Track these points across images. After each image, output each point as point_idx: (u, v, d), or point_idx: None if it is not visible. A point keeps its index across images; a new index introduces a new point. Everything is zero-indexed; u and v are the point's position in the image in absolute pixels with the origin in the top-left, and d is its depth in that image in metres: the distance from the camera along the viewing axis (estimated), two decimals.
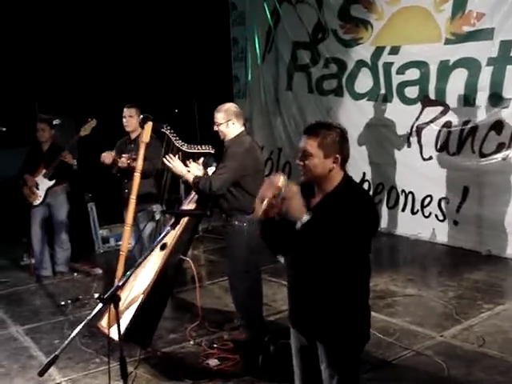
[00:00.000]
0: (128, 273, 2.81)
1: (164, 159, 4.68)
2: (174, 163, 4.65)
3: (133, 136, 5.97)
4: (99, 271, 6.95)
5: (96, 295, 2.56)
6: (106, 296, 2.53)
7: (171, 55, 9.93)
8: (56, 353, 2.46)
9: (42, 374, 2.40)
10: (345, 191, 2.77)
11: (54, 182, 6.68)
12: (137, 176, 5.00)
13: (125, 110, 5.93)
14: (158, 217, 5.18)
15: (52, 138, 6.76)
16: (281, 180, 2.67)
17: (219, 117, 4.66)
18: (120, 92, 8.80)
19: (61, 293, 6.36)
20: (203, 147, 4.77)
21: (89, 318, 2.62)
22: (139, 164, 4.99)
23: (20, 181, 6.76)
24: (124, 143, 6.06)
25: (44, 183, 6.68)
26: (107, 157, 5.84)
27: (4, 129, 9.04)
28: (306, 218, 2.58)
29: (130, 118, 5.88)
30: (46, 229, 6.88)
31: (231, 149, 4.61)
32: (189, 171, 4.64)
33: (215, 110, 4.71)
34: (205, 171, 4.73)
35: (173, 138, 4.77)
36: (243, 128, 4.77)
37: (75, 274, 6.92)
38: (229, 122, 4.64)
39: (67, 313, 5.76)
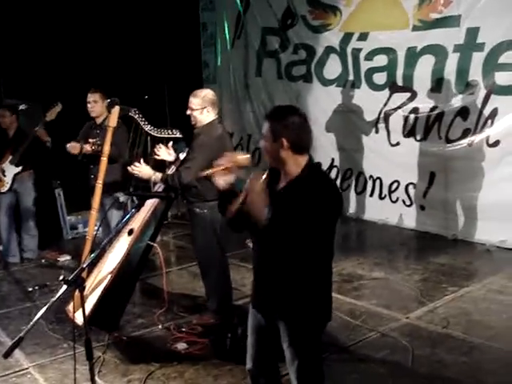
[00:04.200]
0: (92, 255, 2.80)
1: (129, 168, 4.64)
2: (140, 169, 4.61)
3: (98, 121, 5.93)
4: (67, 257, 6.90)
5: (60, 278, 2.55)
6: (70, 278, 2.53)
7: (141, 40, 9.83)
8: (21, 334, 2.45)
9: (6, 355, 2.40)
10: (308, 177, 2.80)
11: (20, 168, 6.60)
12: (103, 161, 4.95)
13: (89, 95, 5.87)
14: (122, 199, 5.16)
15: (17, 123, 6.68)
16: (244, 156, 2.73)
17: (195, 102, 4.61)
18: (88, 77, 8.70)
19: (28, 279, 6.31)
20: (173, 132, 4.74)
21: (53, 300, 2.61)
22: (106, 149, 4.95)
23: None
24: (89, 127, 6.02)
25: (11, 170, 6.59)
26: (74, 147, 5.78)
27: None
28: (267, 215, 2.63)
29: (95, 104, 5.83)
30: (14, 216, 6.81)
31: (201, 137, 4.59)
32: (154, 173, 4.61)
33: (191, 94, 4.66)
34: (176, 156, 4.71)
35: (141, 123, 4.73)
36: (216, 117, 4.74)
37: (43, 261, 6.86)
38: (204, 110, 4.61)
39: (35, 299, 5.71)
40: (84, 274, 4.30)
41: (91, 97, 5.84)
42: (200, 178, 4.51)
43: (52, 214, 7.71)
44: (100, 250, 2.77)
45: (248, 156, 2.76)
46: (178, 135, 4.72)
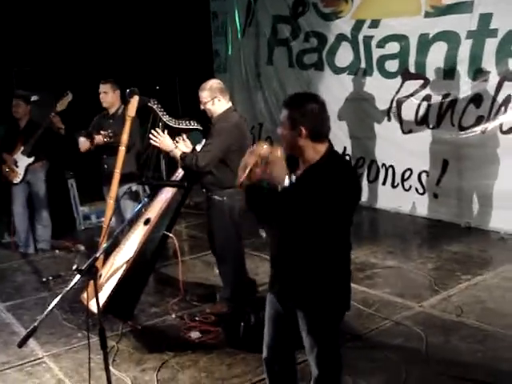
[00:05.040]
0: (104, 245, 2.80)
1: (150, 135, 4.60)
2: (161, 138, 4.58)
3: (111, 111, 5.93)
4: (81, 248, 6.94)
5: (74, 267, 2.55)
6: (83, 268, 2.54)
7: (151, 30, 9.82)
8: (35, 324, 2.47)
9: (21, 345, 2.42)
10: (327, 163, 2.77)
11: (33, 158, 6.63)
12: (122, 150, 4.90)
13: (100, 85, 5.87)
14: (134, 188, 5.15)
15: (29, 114, 6.70)
16: (264, 147, 2.70)
17: (204, 95, 4.61)
18: (99, 67, 8.71)
19: (43, 269, 6.36)
20: (191, 123, 4.71)
21: (67, 289, 2.62)
22: (124, 138, 4.90)
23: None
24: (102, 118, 6.02)
25: (23, 160, 6.63)
26: (84, 144, 5.83)
27: None
28: (287, 181, 2.60)
29: (105, 95, 5.84)
30: (28, 206, 6.85)
31: (218, 125, 4.58)
32: (176, 146, 4.60)
33: (199, 89, 4.65)
34: (193, 147, 4.69)
35: (160, 113, 4.70)
36: (230, 103, 4.73)
37: (57, 251, 6.90)
38: (214, 100, 4.60)
39: (49, 289, 5.76)
40: (99, 263, 4.35)
41: (102, 88, 5.85)
42: (220, 165, 4.52)
43: (65, 204, 7.74)
44: (113, 239, 2.76)
45: (267, 146, 2.71)
46: (196, 126, 4.70)
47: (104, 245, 2.83)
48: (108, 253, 4.70)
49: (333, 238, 2.79)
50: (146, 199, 2.99)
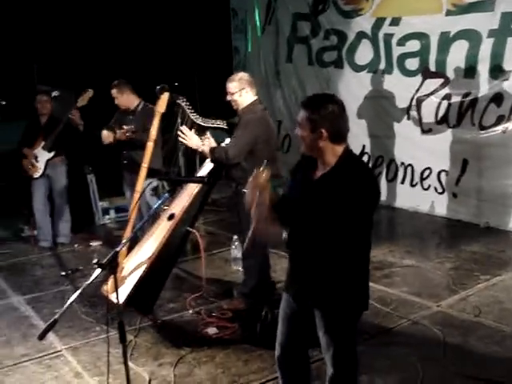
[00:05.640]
0: (124, 240, 2.83)
1: (179, 133, 4.64)
2: (189, 136, 4.63)
3: (131, 108, 5.98)
4: (99, 242, 7.00)
5: (94, 261, 2.58)
6: (104, 262, 2.56)
7: (171, 27, 9.86)
8: (55, 317, 2.49)
9: (41, 337, 2.44)
10: (345, 166, 2.77)
11: (53, 153, 6.69)
12: (149, 145, 4.92)
13: (111, 91, 5.95)
14: (155, 184, 5.17)
15: (50, 109, 6.77)
16: (261, 178, 2.73)
17: (232, 86, 4.65)
18: (119, 64, 8.77)
19: (62, 264, 6.43)
20: (217, 122, 4.75)
21: (87, 282, 2.65)
22: (153, 133, 4.91)
23: (19, 154, 6.77)
24: (122, 114, 6.07)
25: (43, 155, 6.69)
26: (107, 137, 5.88)
27: (3, 102, 9.06)
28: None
29: (116, 99, 5.94)
30: (48, 201, 6.92)
31: (245, 117, 4.63)
32: (203, 144, 4.64)
33: (227, 80, 4.69)
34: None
35: (188, 111, 4.73)
36: (256, 97, 4.76)
37: (76, 245, 6.97)
38: (242, 91, 4.64)
39: (68, 283, 5.81)
40: (121, 257, 4.38)
41: (112, 93, 5.95)
42: (249, 158, 4.54)
43: (84, 199, 7.80)
44: (133, 234, 2.78)
45: (265, 171, 2.73)
46: (222, 125, 4.72)
47: (124, 239, 2.84)
48: (131, 246, 4.74)
49: (354, 239, 2.79)
50: (166, 195, 3.00)
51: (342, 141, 2.80)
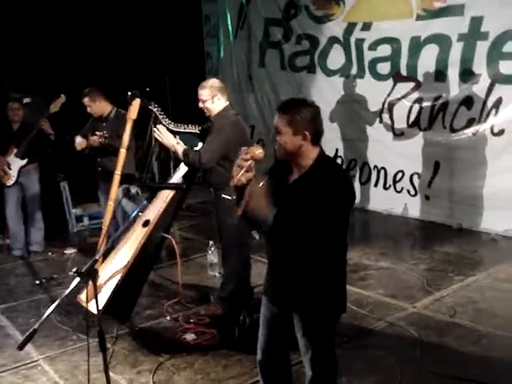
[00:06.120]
0: (102, 248, 2.82)
1: (155, 130, 4.65)
2: (164, 135, 4.65)
3: (104, 115, 5.96)
4: (73, 250, 6.93)
5: (73, 270, 2.56)
6: (83, 270, 2.55)
7: (142, 32, 9.82)
8: (34, 326, 2.47)
9: (21, 347, 2.42)
10: (321, 168, 2.80)
11: (26, 160, 6.62)
12: (122, 152, 4.91)
13: (83, 100, 5.93)
14: (133, 191, 5.15)
15: (22, 116, 6.70)
16: (258, 151, 2.69)
17: (204, 93, 4.66)
18: (89, 69, 8.71)
19: (36, 272, 6.35)
20: (189, 126, 4.76)
21: (67, 291, 2.63)
22: (125, 140, 4.91)
23: None
24: (95, 121, 6.04)
25: (16, 163, 6.61)
26: (80, 144, 5.88)
27: None
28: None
29: (89, 107, 5.94)
30: (21, 209, 6.84)
31: (218, 122, 4.64)
32: (178, 142, 4.65)
33: (199, 86, 4.70)
34: (188, 148, 4.72)
35: (160, 116, 4.74)
36: (228, 102, 4.78)
37: (50, 254, 6.89)
38: (214, 98, 4.66)
39: (43, 292, 5.75)
40: (97, 265, 4.35)
41: (84, 102, 5.93)
42: (225, 162, 4.55)
43: (57, 207, 7.72)
44: (111, 242, 2.77)
45: (262, 150, 2.71)
46: (194, 130, 4.73)
47: (103, 247, 2.83)
48: (106, 254, 4.71)
49: (330, 240, 2.82)
50: (145, 202, 2.99)
51: (319, 143, 2.85)
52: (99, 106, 5.91)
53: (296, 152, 2.79)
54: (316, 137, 2.80)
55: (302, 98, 2.95)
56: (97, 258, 2.62)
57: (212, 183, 4.78)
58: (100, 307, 4.14)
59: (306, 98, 2.94)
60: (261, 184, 2.72)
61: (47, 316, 2.50)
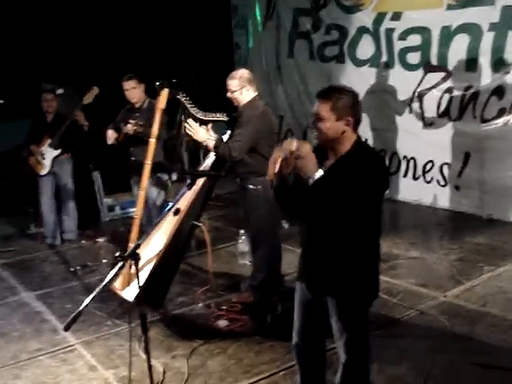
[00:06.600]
0: (145, 234, 2.90)
1: (185, 125, 4.69)
2: (196, 129, 4.68)
3: (137, 105, 6.00)
4: (105, 239, 7.06)
5: (117, 254, 2.64)
6: (126, 254, 2.62)
7: (171, 23, 9.90)
8: (80, 308, 2.56)
9: (67, 328, 2.50)
10: (357, 153, 2.84)
11: (59, 151, 6.75)
12: (152, 142, 4.95)
13: (124, 83, 5.91)
14: (174, 178, 5.21)
15: (56, 107, 6.82)
16: (293, 144, 2.74)
17: (233, 84, 4.70)
18: (120, 61, 8.81)
19: (70, 260, 6.49)
20: (217, 115, 4.80)
21: (112, 273, 2.71)
22: (155, 130, 4.94)
23: (26, 151, 6.83)
24: (128, 111, 6.08)
25: (50, 153, 6.75)
26: (112, 137, 5.92)
27: (2, 101, 9.09)
28: (319, 174, 2.66)
29: (133, 90, 5.90)
30: (54, 198, 6.98)
31: (246, 113, 4.68)
32: (209, 138, 4.68)
33: (228, 77, 4.74)
34: (219, 138, 4.77)
35: (188, 105, 4.78)
36: (256, 93, 4.81)
37: (83, 242, 7.03)
38: (243, 89, 4.69)
39: (77, 279, 5.88)
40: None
41: (128, 84, 5.90)
42: (252, 153, 4.60)
43: (90, 196, 7.86)
44: (152, 227, 2.85)
45: (296, 141, 2.75)
46: (223, 118, 4.77)
47: (144, 234, 2.91)
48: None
49: (365, 225, 2.86)
50: (185, 189, 3.06)
51: (357, 129, 2.89)
52: (140, 92, 5.93)
53: (337, 138, 2.83)
54: (357, 122, 2.85)
55: (341, 85, 2.98)
56: (140, 242, 2.69)
57: (238, 173, 4.82)
58: (133, 295, 4.27)
59: (344, 86, 2.98)
60: (308, 148, 2.75)
61: (92, 298, 2.58)
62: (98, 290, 2.57)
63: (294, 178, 2.75)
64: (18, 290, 5.74)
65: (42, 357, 4.39)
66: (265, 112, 4.80)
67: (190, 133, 4.71)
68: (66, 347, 4.50)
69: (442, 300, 4.91)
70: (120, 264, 2.67)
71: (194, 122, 4.72)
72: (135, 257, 2.57)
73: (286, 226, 6.80)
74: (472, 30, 6.82)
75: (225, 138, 4.81)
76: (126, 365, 4.11)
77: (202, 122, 4.81)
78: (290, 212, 3.04)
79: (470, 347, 4.12)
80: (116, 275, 2.76)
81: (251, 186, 4.72)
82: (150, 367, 2.73)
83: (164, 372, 4.02)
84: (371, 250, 2.98)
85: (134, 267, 4.45)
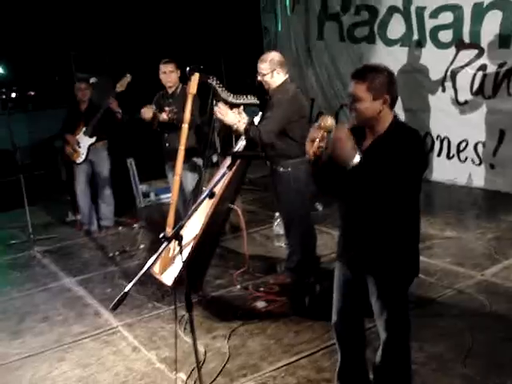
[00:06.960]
0: (188, 214, 2.95)
1: (216, 110, 4.70)
2: (225, 113, 4.68)
3: (170, 90, 6.03)
4: (142, 225, 7.17)
5: (161, 235, 2.70)
6: (170, 235, 2.67)
7: (198, 10, 9.93)
8: (125, 290, 2.62)
9: (115, 308, 2.56)
10: (396, 132, 2.84)
11: (94, 139, 6.84)
12: (185, 127, 4.99)
13: (162, 66, 5.91)
14: (215, 159, 5.24)
15: (90, 96, 6.91)
16: (329, 121, 2.76)
17: (264, 67, 4.69)
18: (149, 47, 8.87)
19: (108, 246, 6.61)
20: (248, 97, 4.82)
21: (159, 252, 2.78)
22: (187, 115, 4.97)
23: (61, 141, 6.94)
24: (161, 97, 6.12)
25: (85, 141, 6.85)
26: (147, 112, 5.84)
27: (33, 93, 9.25)
28: (357, 159, 2.67)
29: (171, 73, 5.90)
30: (90, 185, 7.10)
31: (276, 97, 4.67)
32: (239, 121, 4.68)
33: (259, 60, 4.73)
34: (250, 120, 4.79)
35: (219, 89, 4.81)
36: (287, 76, 4.80)
37: (120, 228, 7.15)
38: (273, 72, 4.68)
39: (116, 264, 6.00)
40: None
41: (166, 67, 5.90)
42: (282, 136, 4.62)
43: (125, 183, 7.97)
44: (192, 210, 2.90)
45: (331, 120, 2.77)
46: (254, 101, 4.79)
47: (188, 214, 2.96)
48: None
49: (405, 203, 2.87)
50: (226, 169, 3.10)
51: (394, 107, 2.89)
52: (176, 77, 5.95)
53: (375, 117, 2.84)
54: (393, 101, 2.85)
55: (376, 64, 2.97)
56: (183, 222, 2.74)
57: (269, 156, 4.82)
58: (171, 279, 4.34)
59: (378, 64, 2.97)
60: (346, 126, 2.76)
61: (137, 279, 2.64)
62: (144, 270, 2.62)
63: (330, 161, 2.75)
64: (59, 276, 5.87)
65: (86, 339, 4.50)
66: (295, 95, 4.77)
67: (219, 116, 4.71)
68: (109, 330, 4.61)
69: (479, 279, 4.89)
70: (164, 245, 2.72)
71: (223, 105, 4.72)
72: (179, 237, 2.62)
73: (320, 208, 6.83)
74: (504, 5, 6.73)
75: (256, 120, 4.82)
76: (167, 346, 4.21)
77: (234, 106, 4.83)
78: (329, 192, 3.06)
79: (509, 325, 4.11)
80: (159, 256, 2.79)
81: (282, 169, 4.73)
82: (195, 345, 2.78)
83: (205, 352, 4.10)
84: (412, 228, 2.99)
85: (177, 248, 4.66)
